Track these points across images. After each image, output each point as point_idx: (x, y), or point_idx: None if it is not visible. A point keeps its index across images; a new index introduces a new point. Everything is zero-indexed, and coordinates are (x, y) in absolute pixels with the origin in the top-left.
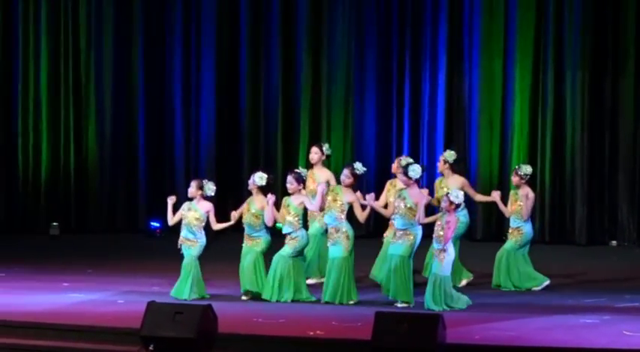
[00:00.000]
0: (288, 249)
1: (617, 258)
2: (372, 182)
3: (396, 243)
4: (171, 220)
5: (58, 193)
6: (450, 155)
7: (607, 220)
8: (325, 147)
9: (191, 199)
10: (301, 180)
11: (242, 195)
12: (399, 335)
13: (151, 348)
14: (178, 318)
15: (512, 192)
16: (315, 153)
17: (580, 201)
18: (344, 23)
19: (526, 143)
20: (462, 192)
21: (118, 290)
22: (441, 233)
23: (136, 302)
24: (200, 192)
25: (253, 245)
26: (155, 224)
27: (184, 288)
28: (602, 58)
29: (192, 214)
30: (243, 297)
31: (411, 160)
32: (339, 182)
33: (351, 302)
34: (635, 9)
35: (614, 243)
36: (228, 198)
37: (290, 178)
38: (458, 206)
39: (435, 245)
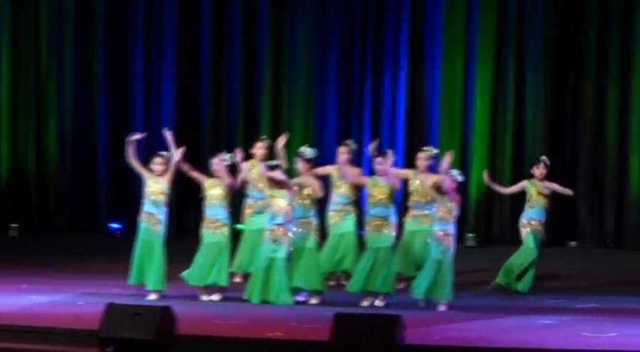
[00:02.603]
0: (285, 248)
1: (575, 259)
2: None
3: (378, 234)
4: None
5: (19, 194)
6: (434, 149)
7: (567, 221)
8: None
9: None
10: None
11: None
12: (358, 336)
13: (110, 350)
14: (137, 319)
15: (532, 184)
16: (261, 148)
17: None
18: (306, 23)
19: (487, 144)
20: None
21: (78, 291)
22: (444, 212)
23: (96, 304)
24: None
25: (219, 232)
26: (115, 225)
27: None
28: (563, 59)
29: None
30: (205, 297)
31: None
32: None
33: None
34: (597, 9)
35: (573, 243)
36: (189, 201)
37: (278, 172)
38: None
39: (437, 226)
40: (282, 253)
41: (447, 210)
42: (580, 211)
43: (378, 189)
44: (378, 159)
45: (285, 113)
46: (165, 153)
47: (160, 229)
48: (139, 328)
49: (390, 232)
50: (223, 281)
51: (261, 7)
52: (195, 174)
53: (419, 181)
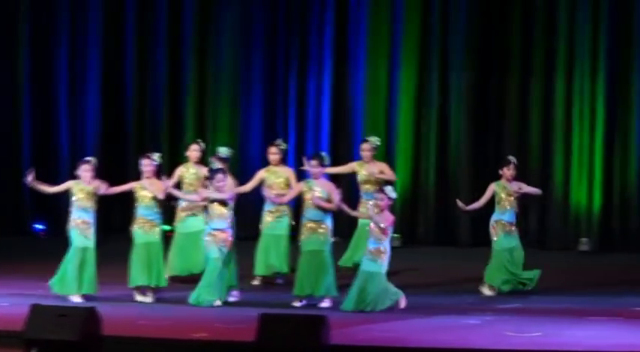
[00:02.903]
0: (226, 252)
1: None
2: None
3: (312, 238)
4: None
5: None
6: (377, 140)
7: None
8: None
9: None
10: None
11: (128, 195)
12: (283, 337)
13: (34, 351)
14: (62, 320)
15: (499, 186)
16: (196, 151)
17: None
18: (231, 23)
19: (411, 143)
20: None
21: (2, 292)
22: (378, 231)
23: (21, 305)
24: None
25: (150, 232)
26: (39, 226)
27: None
28: (488, 58)
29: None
30: (140, 297)
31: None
32: None
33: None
34: (521, 9)
35: None
36: (114, 201)
37: (221, 176)
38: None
39: (371, 244)
40: (224, 256)
41: (380, 228)
42: None
43: (312, 193)
44: (312, 163)
45: (210, 113)
46: (91, 158)
47: (91, 233)
48: (64, 329)
49: (326, 235)
50: (163, 283)
51: (186, 8)
52: (124, 188)
53: (365, 171)
